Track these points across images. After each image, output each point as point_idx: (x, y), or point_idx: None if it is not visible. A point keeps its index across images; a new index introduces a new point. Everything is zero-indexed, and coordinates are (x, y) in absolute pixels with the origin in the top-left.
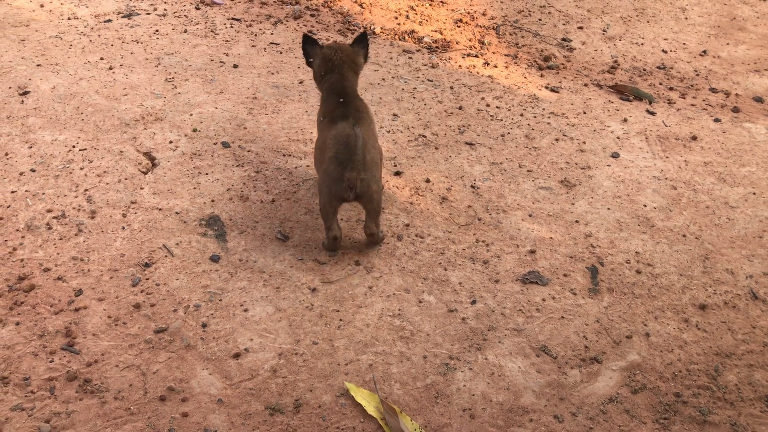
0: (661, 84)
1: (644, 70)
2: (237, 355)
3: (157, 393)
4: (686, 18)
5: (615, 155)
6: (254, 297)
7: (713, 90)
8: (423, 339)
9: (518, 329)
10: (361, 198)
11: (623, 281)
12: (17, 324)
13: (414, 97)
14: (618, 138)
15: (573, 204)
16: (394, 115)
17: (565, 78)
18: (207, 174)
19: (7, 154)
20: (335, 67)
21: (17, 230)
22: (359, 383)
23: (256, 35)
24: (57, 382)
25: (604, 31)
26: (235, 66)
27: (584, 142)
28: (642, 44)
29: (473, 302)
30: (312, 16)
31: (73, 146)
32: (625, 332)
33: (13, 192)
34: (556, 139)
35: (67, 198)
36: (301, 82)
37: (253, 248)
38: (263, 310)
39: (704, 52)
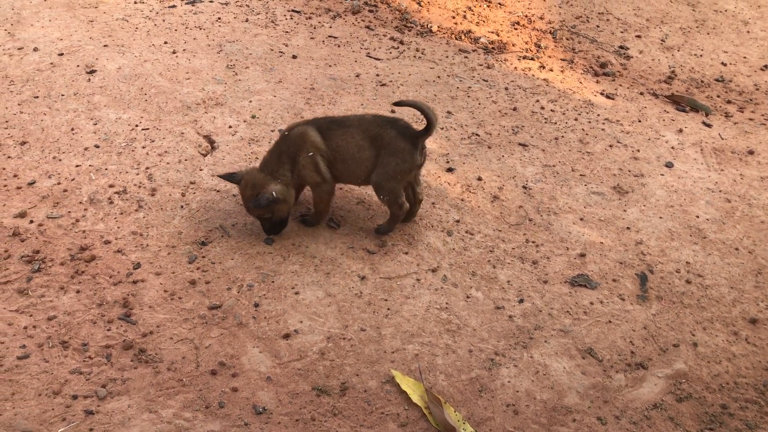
0: (718, 96)
1: (702, 81)
2: (287, 336)
3: (208, 367)
4: (748, 32)
5: (669, 165)
6: (305, 281)
7: None
8: (469, 333)
9: (565, 330)
10: (423, 162)
11: (672, 290)
12: (78, 292)
13: (468, 96)
14: (672, 148)
15: (625, 210)
16: (448, 112)
17: (620, 85)
18: None
19: (73, 130)
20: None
21: (80, 203)
22: (405, 372)
23: (315, 28)
24: (113, 349)
25: (662, 40)
26: (294, 57)
27: (638, 150)
28: (701, 56)
29: (521, 301)
30: (370, 11)
31: (136, 125)
32: (672, 340)
33: (77, 166)
34: (610, 146)
35: (129, 175)
36: (357, 76)
37: (305, 234)
38: (313, 294)
39: (765, 66)
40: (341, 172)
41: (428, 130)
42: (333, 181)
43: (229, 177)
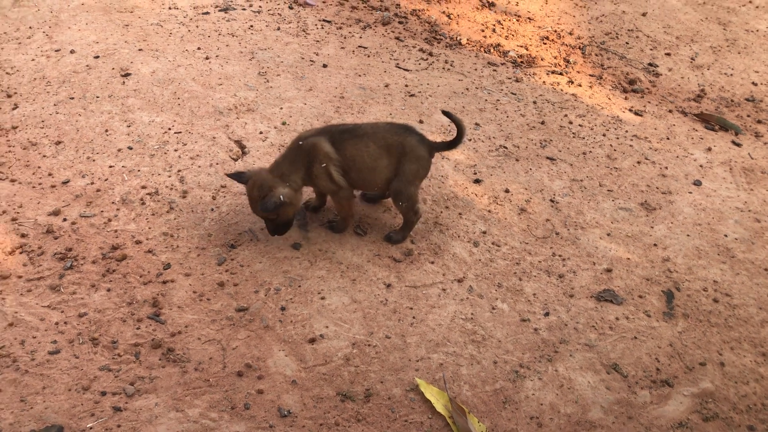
0: (749, 116)
1: (732, 101)
2: (312, 340)
3: (235, 368)
4: None
5: (697, 183)
6: (331, 286)
7: None
8: (494, 345)
9: (590, 345)
10: None
11: (699, 308)
12: (108, 290)
13: (497, 109)
14: (701, 166)
15: (652, 227)
16: (476, 124)
17: (649, 102)
18: None
19: (107, 131)
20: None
21: (113, 203)
22: (429, 380)
23: (345, 37)
24: (142, 348)
25: (692, 59)
26: (325, 65)
27: (666, 167)
28: (731, 75)
29: (546, 314)
30: (400, 23)
31: (169, 128)
32: (698, 359)
33: (110, 167)
34: (638, 162)
35: (161, 177)
36: (386, 86)
37: (332, 240)
38: (339, 299)
39: None
40: (356, 180)
41: (452, 144)
42: (350, 187)
43: (236, 176)
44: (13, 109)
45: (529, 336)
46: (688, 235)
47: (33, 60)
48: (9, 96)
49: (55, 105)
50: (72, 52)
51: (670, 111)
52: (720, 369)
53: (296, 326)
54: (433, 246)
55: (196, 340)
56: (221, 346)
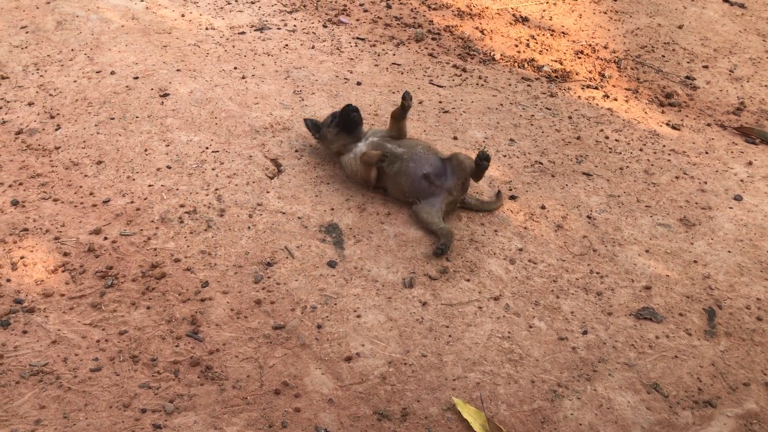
0: None
1: None
2: (349, 359)
3: (272, 386)
4: None
5: (738, 198)
6: (367, 304)
7: None
8: (531, 364)
9: (629, 364)
10: None
11: (742, 327)
12: (148, 308)
13: (531, 124)
14: (741, 181)
15: (692, 243)
16: (511, 140)
17: (687, 116)
18: (328, 183)
19: (146, 150)
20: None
21: (152, 221)
22: (466, 400)
23: (379, 55)
24: (181, 365)
25: (730, 71)
26: (359, 83)
27: (705, 182)
28: None
29: (584, 332)
30: (433, 39)
31: (207, 148)
32: (742, 379)
33: (150, 186)
34: (676, 177)
35: (199, 195)
36: (420, 102)
37: (367, 257)
38: (375, 318)
39: None
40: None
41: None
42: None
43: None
44: (56, 129)
45: (567, 355)
46: (729, 252)
47: (75, 81)
48: (52, 117)
49: (96, 125)
50: (112, 73)
51: (709, 125)
52: (765, 389)
53: (332, 344)
54: (468, 263)
55: (234, 357)
56: (258, 364)
